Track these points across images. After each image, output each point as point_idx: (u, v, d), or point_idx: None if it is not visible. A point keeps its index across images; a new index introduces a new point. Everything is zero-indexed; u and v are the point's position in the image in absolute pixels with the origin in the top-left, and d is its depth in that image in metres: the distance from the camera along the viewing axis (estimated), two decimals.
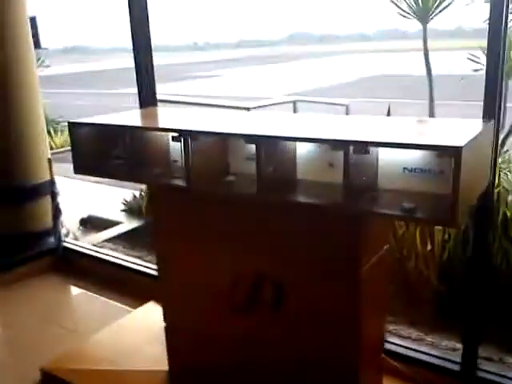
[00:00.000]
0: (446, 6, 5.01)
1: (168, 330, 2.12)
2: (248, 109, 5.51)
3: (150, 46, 2.76)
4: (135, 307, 2.81)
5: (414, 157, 1.53)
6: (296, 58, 31.86)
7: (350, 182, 1.45)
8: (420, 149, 1.41)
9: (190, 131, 1.73)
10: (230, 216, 1.85)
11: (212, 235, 1.91)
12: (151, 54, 2.77)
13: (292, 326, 1.78)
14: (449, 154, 1.29)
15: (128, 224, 4.04)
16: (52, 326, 2.80)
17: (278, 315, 1.79)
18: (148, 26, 2.69)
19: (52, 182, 3.40)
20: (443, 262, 2.55)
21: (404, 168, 1.57)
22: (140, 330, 2.59)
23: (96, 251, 3.45)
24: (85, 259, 3.43)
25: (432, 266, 2.56)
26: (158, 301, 2.84)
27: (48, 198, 3.51)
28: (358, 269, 1.59)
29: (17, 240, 3.43)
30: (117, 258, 3.33)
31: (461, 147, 1.27)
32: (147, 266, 3.18)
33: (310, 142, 1.56)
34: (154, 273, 3.06)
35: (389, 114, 3.04)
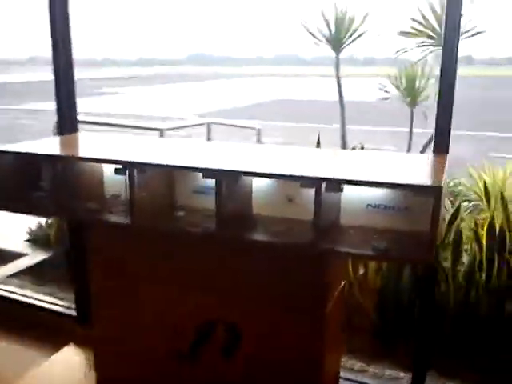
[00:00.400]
0: (358, 37, 5.21)
1: (100, 382, 1.89)
2: (161, 130, 5.33)
3: (73, 66, 2.53)
4: (52, 352, 2.51)
5: (377, 193, 1.50)
6: (197, 78, 31.95)
7: (318, 220, 1.37)
8: (401, 189, 1.36)
9: (138, 163, 1.56)
10: (178, 253, 1.69)
11: (157, 274, 1.74)
12: (73, 75, 2.54)
13: (249, 369, 1.65)
14: (429, 194, 1.25)
15: (34, 256, 3.65)
16: None
17: (232, 359, 1.65)
18: (70, 42, 2.47)
19: None
20: (377, 289, 2.55)
21: (368, 204, 1.52)
22: (60, 379, 2.30)
23: (0, 289, 3.06)
24: None
25: (366, 294, 2.55)
26: (78, 343, 2.58)
27: None
28: (324, 306, 1.52)
29: None
30: (25, 296, 2.97)
31: (441, 187, 1.24)
32: (61, 304, 2.87)
33: (280, 178, 1.46)
34: (71, 312, 2.78)
35: (318, 143, 3.03)
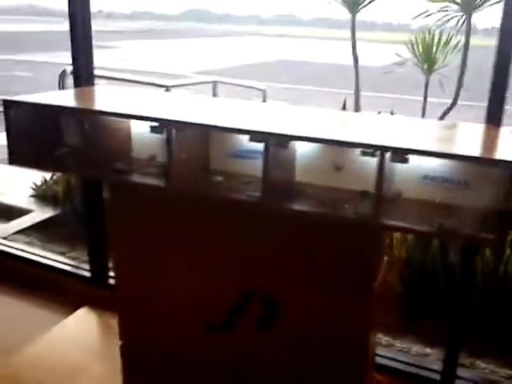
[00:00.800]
0: None
1: (124, 350, 1.82)
2: (167, 87, 5.17)
3: (89, 13, 2.37)
4: (65, 315, 2.44)
5: (434, 165, 1.40)
6: (196, 35, 31.21)
7: (380, 192, 1.27)
8: (475, 162, 1.26)
9: (179, 122, 1.45)
10: (214, 220, 1.59)
11: (189, 240, 1.65)
12: (90, 23, 2.38)
13: (286, 343, 1.58)
14: (507, 169, 1.15)
15: (41, 213, 3.54)
16: None
17: (269, 332, 1.58)
18: None
19: None
20: (402, 260, 2.49)
21: (424, 176, 1.42)
22: (76, 343, 2.25)
23: (8, 246, 2.97)
24: None
25: (391, 264, 2.49)
26: (93, 306, 2.51)
27: None
28: (373, 281, 1.44)
29: None
30: (35, 254, 2.88)
31: None
32: (73, 264, 2.80)
33: (341, 145, 1.35)
34: (84, 273, 2.70)
35: (344, 107, 2.91)
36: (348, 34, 5.26)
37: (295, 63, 19.54)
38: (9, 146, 1.65)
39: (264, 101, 7.22)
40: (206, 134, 1.60)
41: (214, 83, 6.20)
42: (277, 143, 1.37)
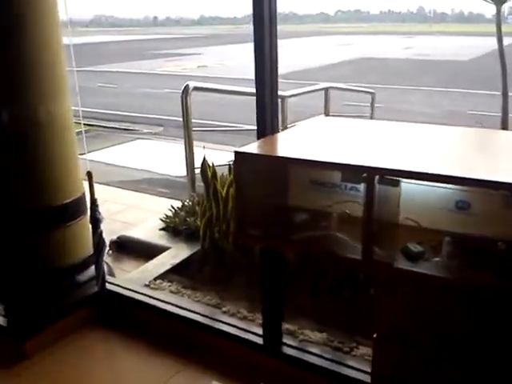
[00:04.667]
0: None
1: None
2: (283, 97, 4.71)
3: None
4: None
5: None
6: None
7: None
8: None
9: None
10: None
11: None
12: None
13: None
14: None
15: (178, 251, 3.11)
16: None
17: None
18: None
19: (94, 204, 2.45)
20: None
21: None
22: None
23: (154, 297, 2.54)
24: (138, 308, 2.52)
25: None
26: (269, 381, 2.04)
27: (83, 223, 2.59)
28: None
29: (42, 282, 2.51)
30: (190, 310, 2.42)
31: None
32: (241, 327, 2.30)
33: None
34: (255, 339, 2.22)
35: None
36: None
37: (373, 60, 18.71)
38: (238, 213, 1.18)
39: (372, 104, 6.69)
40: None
41: (326, 90, 5.75)
42: None
